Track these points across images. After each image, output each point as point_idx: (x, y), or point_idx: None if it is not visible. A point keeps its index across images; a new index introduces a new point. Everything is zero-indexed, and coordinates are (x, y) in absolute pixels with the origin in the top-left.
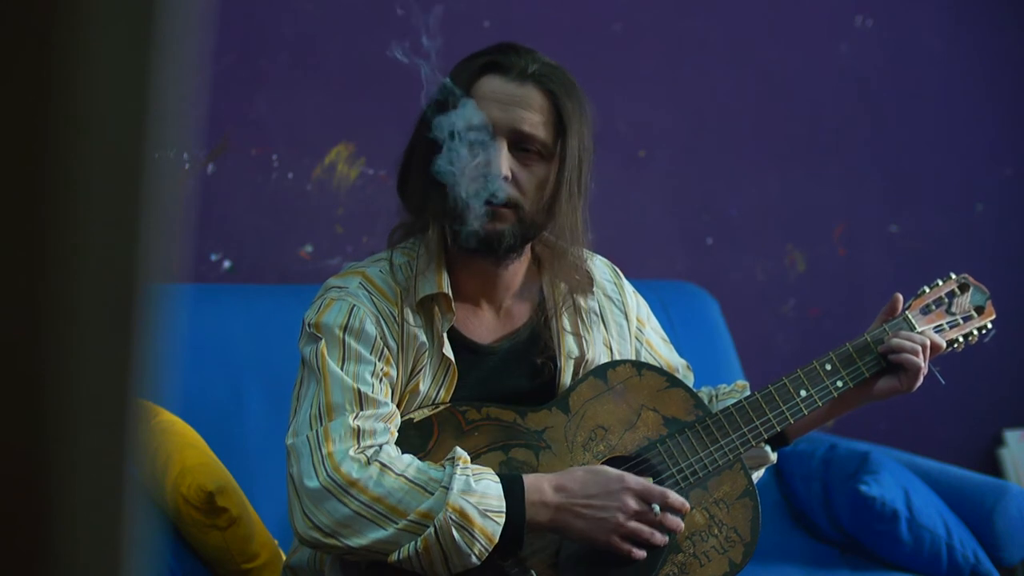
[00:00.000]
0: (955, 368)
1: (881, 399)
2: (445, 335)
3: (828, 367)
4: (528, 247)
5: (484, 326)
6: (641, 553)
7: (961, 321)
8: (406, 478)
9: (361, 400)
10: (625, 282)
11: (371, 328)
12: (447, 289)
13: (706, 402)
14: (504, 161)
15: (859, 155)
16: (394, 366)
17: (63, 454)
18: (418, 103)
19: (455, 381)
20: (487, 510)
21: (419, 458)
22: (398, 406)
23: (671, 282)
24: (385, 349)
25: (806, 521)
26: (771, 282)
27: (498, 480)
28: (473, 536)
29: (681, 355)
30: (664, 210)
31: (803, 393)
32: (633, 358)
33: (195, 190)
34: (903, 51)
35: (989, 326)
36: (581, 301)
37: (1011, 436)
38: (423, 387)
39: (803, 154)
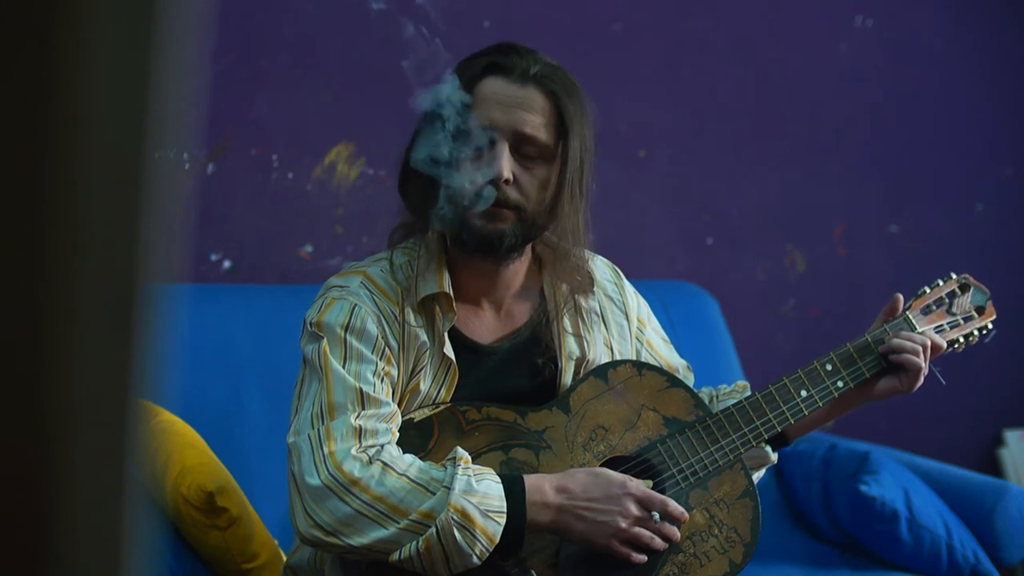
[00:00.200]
0: (955, 368)
1: (881, 399)
2: (446, 334)
3: (828, 367)
4: (529, 247)
5: (485, 326)
6: (641, 557)
7: (962, 321)
8: (408, 478)
9: (363, 400)
10: (626, 282)
11: (372, 327)
12: (448, 288)
13: (706, 402)
14: (506, 163)
15: (859, 155)
16: (395, 365)
17: (63, 454)
18: (418, 103)
19: (456, 381)
20: (488, 510)
21: (419, 458)
22: (399, 405)
23: (671, 282)
24: (386, 348)
25: (806, 521)
26: (771, 282)
27: (499, 480)
28: (474, 536)
29: (681, 355)
30: (664, 210)
31: (803, 393)
32: (633, 358)
33: (195, 190)
34: (903, 51)
35: (990, 326)
36: (582, 301)
37: (1011, 436)
38: (424, 387)
39: (803, 154)
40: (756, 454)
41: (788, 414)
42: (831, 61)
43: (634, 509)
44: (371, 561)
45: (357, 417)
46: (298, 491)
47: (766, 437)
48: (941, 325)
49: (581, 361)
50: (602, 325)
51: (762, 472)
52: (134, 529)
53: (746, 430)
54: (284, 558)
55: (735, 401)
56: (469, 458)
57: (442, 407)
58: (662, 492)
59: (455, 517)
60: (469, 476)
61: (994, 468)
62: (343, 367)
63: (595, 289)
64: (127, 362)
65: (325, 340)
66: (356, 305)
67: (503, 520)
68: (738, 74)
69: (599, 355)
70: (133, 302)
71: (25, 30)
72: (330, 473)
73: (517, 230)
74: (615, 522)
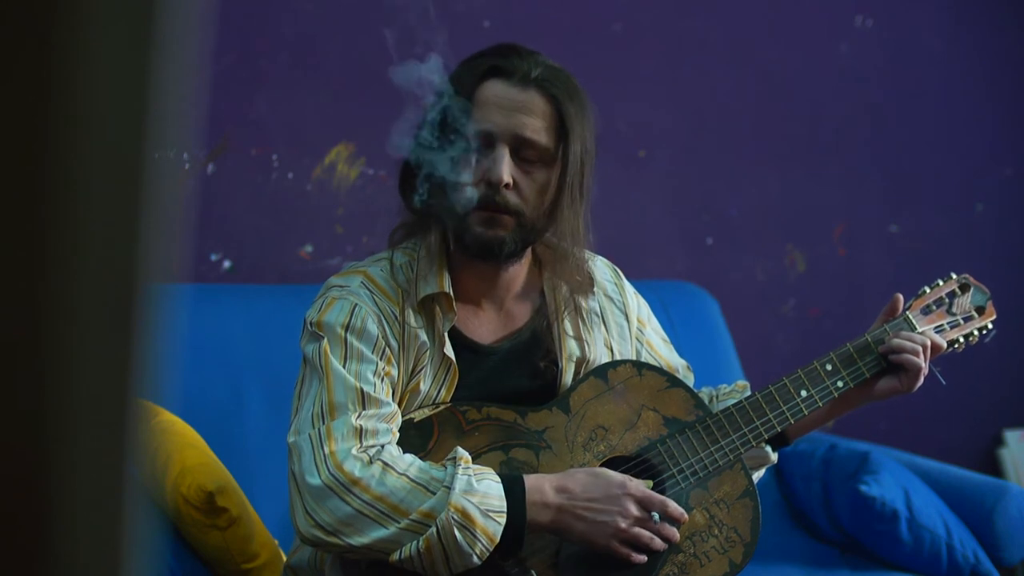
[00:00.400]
0: (955, 368)
1: (881, 399)
2: (446, 335)
3: (828, 367)
4: (529, 249)
5: (485, 326)
6: (641, 558)
7: (962, 321)
8: (408, 477)
9: (364, 400)
10: (626, 282)
11: (373, 327)
12: (448, 289)
13: (706, 402)
14: (505, 168)
15: (859, 155)
16: (395, 366)
17: (63, 454)
18: (419, 103)
19: (456, 381)
20: (488, 510)
21: (420, 458)
22: (399, 405)
23: (671, 282)
24: (387, 348)
25: (806, 521)
26: (771, 282)
27: (499, 480)
28: (474, 536)
29: (681, 355)
30: (664, 210)
31: (803, 393)
32: (633, 358)
33: (195, 190)
34: (903, 51)
35: (990, 326)
36: (582, 302)
37: (1011, 436)
38: (424, 387)
39: (803, 154)
40: (756, 454)
41: (788, 414)
42: (831, 61)
43: (634, 509)
44: (371, 561)
45: (358, 417)
46: (298, 491)
47: (766, 437)
48: (941, 325)
49: (581, 362)
50: (602, 326)
51: (762, 472)
52: (134, 529)
53: (746, 430)
54: (284, 558)
55: (735, 401)
56: (469, 458)
57: (442, 407)
58: (662, 492)
59: (455, 517)
60: (469, 476)
61: (994, 468)
62: (344, 367)
63: (595, 290)
64: (127, 362)
65: (326, 340)
66: (357, 305)
67: (503, 520)
68: (738, 74)
69: (599, 356)
70: (133, 302)
71: (25, 30)
72: (331, 473)
73: (517, 236)
74: (615, 522)
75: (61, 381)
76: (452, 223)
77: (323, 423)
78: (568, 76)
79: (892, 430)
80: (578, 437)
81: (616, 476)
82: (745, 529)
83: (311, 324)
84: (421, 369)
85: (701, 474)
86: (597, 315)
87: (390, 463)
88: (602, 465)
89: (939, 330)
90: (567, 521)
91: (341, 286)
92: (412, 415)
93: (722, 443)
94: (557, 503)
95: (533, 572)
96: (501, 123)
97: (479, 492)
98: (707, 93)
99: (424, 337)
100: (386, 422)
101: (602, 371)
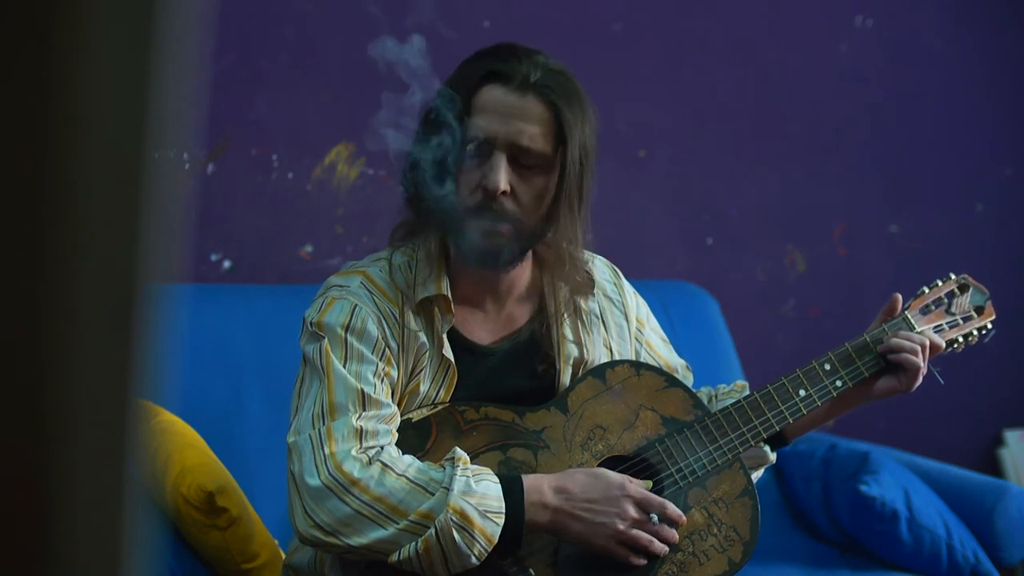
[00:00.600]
0: (955, 368)
1: (880, 399)
2: (445, 336)
3: (827, 367)
4: (529, 251)
5: (484, 327)
6: (639, 561)
7: (961, 321)
8: (407, 478)
9: (364, 400)
10: (625, 283)
11: (373, 328)
12: (447, 291)
13: (705, 402)
14: (502, 175)
15: (859, 155)
16: (395, 366)
17: (63, 454)
18: (419, 103)
19: (455, 382)
20: (487, 511)
21: (418, 458)
22: (398, 406)
23: (671, 282)
24: (386, 349)
25: (806, 521)
26: (771, 282)
27: (498, 481)
28: (473, 537)
29: (681, 355)
30: (664, 210)
31: (802, 393)
32: (632, 358)
33: (195, 190)
34: (903, 51)
35: (989, 326)
36: (581, 302)
37: (1011, 436)
38: (423, 388)
39: (803, 154)
40: (755, 454)
41: (787, 414)
42: (831, 61)
43: (632, 511)
44: (370, 561)
45: (358, 418)
46: (298, 491)
47: (765, 437)
48: (940, 325)
49: (579, 363)
50: (601, 326)
51: (761, 472)
52: (134, 529)
53: (744, 430)
54: (284, 558)
55: (734, 401)
56: (468, 459)
57: (440, 407)
58: (660, 492)
59: (454, 518)
60: (468, 477)
61: (994, 468)
62: (344, 367)
63: (594, 290)
64: (127, 362)
65: (326, 340)
66: (357, 305)
67: (501, 521)
68: (738, 74)
69: (598, 356)
70: (133, 302)
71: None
72: (330, 473)
73: (515, 245)
74: (613, 523)
75: (61, 381)
76: (450, 231)
77: (323, 424)
78: (568, 78)
79: (892, 430)
80: (576, 437)
81: (615, 477)
82: (744, 528)
83: (311, 324)
84: (420, 370)
85: (700, 473)
86: (596, 316)
87: (389, 464)
88: (600, 465)
89: (938, 330)
90: (565, 522)
91: (341, 286)
92: (410, 415)
93: (720, 443)
94: (556, 504)
95: (532, 572)
96: (498, 130)
97: (477, 493)
98: (707, 93)
99: (423, 338)
100: (386, 423)
101: (600, 371)
